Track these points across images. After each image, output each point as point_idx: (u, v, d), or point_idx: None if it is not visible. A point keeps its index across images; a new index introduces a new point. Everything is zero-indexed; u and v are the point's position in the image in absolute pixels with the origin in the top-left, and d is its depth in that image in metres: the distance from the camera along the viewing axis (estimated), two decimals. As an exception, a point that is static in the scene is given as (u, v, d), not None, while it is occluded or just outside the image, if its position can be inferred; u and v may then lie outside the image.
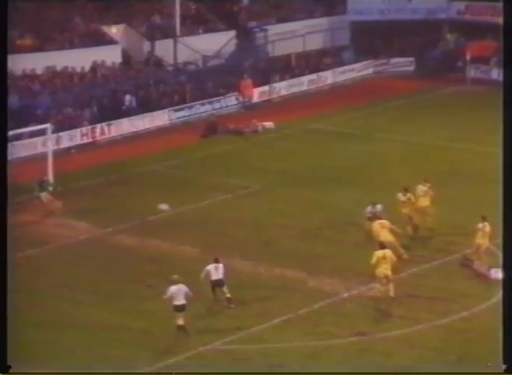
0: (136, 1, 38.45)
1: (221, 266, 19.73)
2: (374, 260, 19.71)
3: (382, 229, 21.67)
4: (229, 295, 19.55)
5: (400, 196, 23.15)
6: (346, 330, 18.58)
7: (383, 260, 19.71)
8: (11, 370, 14.91)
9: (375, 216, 22.62)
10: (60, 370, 16.67)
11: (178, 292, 18.29)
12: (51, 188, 25.25)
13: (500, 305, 14.80)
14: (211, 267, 19.70)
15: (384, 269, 19.64)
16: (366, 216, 23.08)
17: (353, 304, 19.88)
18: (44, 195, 24.80)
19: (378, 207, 23.05)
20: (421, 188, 23.33)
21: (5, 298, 13.87)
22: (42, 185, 25.40)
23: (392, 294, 19.69)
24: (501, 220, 14.80)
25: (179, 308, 18.30)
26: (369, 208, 23.18)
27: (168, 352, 17.93)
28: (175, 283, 18.42)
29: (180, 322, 18.33)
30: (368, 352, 17.79)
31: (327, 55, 41.79)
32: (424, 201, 23.07)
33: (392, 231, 21.63)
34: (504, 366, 14.62)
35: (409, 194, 23.13)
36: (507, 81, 14.77)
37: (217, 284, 19.66)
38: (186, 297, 18.37)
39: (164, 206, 25.27)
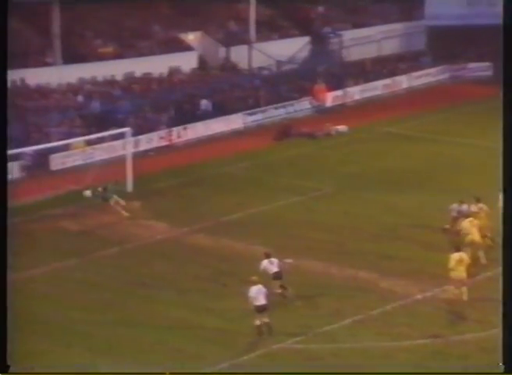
0: (211, 7, 38.64)
1: (274, 260, 19.78)
2: (452, 263, 19.17)
3: (472, 227, 20.95)
4: (279, 291, 19.56)
5: (472, 207, 22.22)
6: (419, 332, 18.15)
7: (459, 263, 19.19)
8: (11, 370, 14.52)
9: (461, 215, 21.97)
10: (72, 370, 16.55)
11: (258, 293, 18.19)
12: (114, 196, 25.04)
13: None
14: (265, 263, 19.73)
15: (459, 272, 19.11)
16: (451, 215, 22.38)
17: (427, 306, 19.41)
18: (113, 200, 24.81)
19: (465, 206, 22.34)
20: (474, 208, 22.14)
21: (5, 298, 13.66)
22: (106, 191, 25.25)
23: (465, 297, 19.11)
24: None
25: (260, 309, 18.18)
26: (455, 207, 22.46)
27: (240, 350, 17.86)
28: (254, 284, 18.28)
29: (261, 321, 18.18)
30: (442, 355, 17.30)
31: (403, 60, 41.16)
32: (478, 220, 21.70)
33: (480, 231, 20.90)
34: (503, 366, 14.09)
35: (480, 204, 22.17)
36: (507, 81, 14.23)
37: (275, 277, 19.65)
38: (266, 297, 18.23)
39: (88, 193, 25.12)
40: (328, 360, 17.41)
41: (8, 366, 14.48)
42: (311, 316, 19.17)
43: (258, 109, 34.89)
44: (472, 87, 39.36)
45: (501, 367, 14.21)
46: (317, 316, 19.11)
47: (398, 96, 38.77)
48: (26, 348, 17.92)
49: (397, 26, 41.82)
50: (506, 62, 14.67)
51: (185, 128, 32.64)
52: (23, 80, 32.12)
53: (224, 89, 35.34)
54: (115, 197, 24.77)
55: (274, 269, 19.69)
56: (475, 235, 20.67)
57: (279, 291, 19.62)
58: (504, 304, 14.02)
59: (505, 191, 14.05)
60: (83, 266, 22.04)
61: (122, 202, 24.95)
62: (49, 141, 29.14)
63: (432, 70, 40.75)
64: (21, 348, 17.99)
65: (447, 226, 22.54)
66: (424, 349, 17.56)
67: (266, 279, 19.32)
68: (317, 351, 17.75)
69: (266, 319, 18.13)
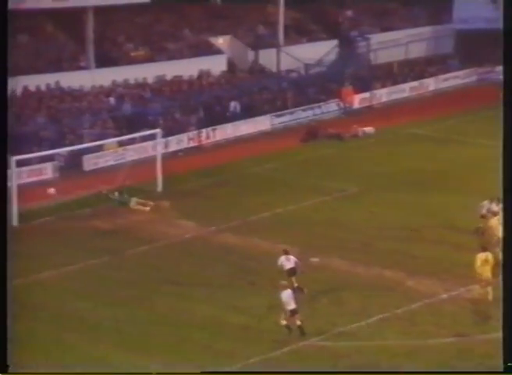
0: (240, 11, 38.67)
1: (291, 257, 20.06)
2: (477, 263, 18.95)
3: (499, 225, 20.63)
4: (296, 284, 19.66)
5: (493, 206, 21.87)
6: (445, 331, 17.98)
7: (485, 263, 18.98)
8: (11, 370, 14.34)
9: (490, 213, 21.67)
10: (65, 370, 16.51)
11: (289, 297, 18.17)
12: (134, 198, 24.84)
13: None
14: (282, 259, 20.03)
15: (485, 272, 18.87)
16: (480, 213, 22.08)
17: (452, 305, 19.22)
18: (133, 202, 24.65)
19: (494, 204, 22.03)
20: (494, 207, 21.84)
21: (5, 298, 13.57)
22: (122, 195, 25.15)
23: (490, 297, 18.88)
24: None
25: (293, 313, 18.14)
26: (486, 204, 22.16)
27: (267, 347, 17.81)
28: (284, 288, 18.26)
29: (292, 324, 18.07)
30: (467, 354, 17.10)
31: (431, 63, 40.85)
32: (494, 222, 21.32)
33: None
34: (503, 366, 13.84)
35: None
36: (507, 81, 14.01)
37: (290, 273, 19.82)
38: (295, 300, 18.19)
39: (52, 190, 25.03)
40: (354, 358, 17.31)
41: (7, 366, 14.26)
42: (337, 313, 19.08)
43: (286, 111, 34.83)
44: (499, 90, 38.74)
45: (501, 367, 13.98)
46: (342, 314, 19.01)
47: (425, 98, 38.47)
48: (58, 345, 18.05)
49: (425, 30, 41.52)
50: (506, 62, 14.46)
51: (214, 129, 32.69)
52: (57, 84, 32.41)
53: (252, 91, 35.33)
54: (135, 199, 24.61)
55: (289, 265, 19.92)
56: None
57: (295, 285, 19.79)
58: (504, 304, 13.78)
59: (505, 192, 13.83)
60: (114, 263, 22.16)
61: (144, 202, 24.83)
62: (82, 142, 29.37)
63: (460, 73, 40.37)
64: (52, 345, 18.13)
65: (481, 226, 22.16)
66: (449, 348, 17.37)
67: (282, 274, 19.52)
68: (342, 348, 17.64)
69: (298, 322, 18.10)
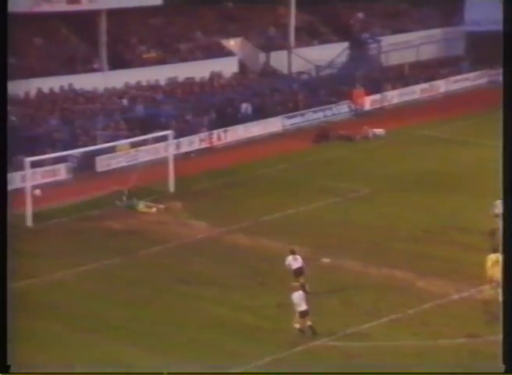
0: (252, 14, 38.66)
1: (298, 257, 20.03)
2: (488, 264, 18.85)
3: None
4: (302, 280, 19.71)
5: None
6: (456, 331, 17.88)
7: (496, 263, 18.85)
8: (12, 370, 14.12)
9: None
10: (66, 370, 16.45)
11: (300, 298, 18.10)
12: (141, 202, 24.54)
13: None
14: (290, 258, 20.01)
15: (496, 273, 18.75)
16: (493, 212, 21.94)
17: (463, 306, 19.12)
18: (141, 205, 24.27)
19: None
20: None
21: (5, 297, 13.51)
22: (130, 197, 24.79)
23: (501, 298, 18.73)
24: None
25: (304, 314, 18.07)
26: (498, 203, 21.98)
27: (278, 348, 17.75)
28: (295, 290, 18.18)
29: (303, 325, 18.02)
30: (478, 354, 17.00)
31: (442, 65, 40.66)
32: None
33: None
34: (504, 366, 13.68)
35: None
36: (507, 81, 13.88)
37: (298, 273, 19.81)
38: (306, 302, 18.12)
39: (37, 191, 24.92)
40: (365, 358, 17.23)
41: (8, 366, 14.05)
42: (348, 314, 19.03)
43: (297, 113, 34.79)
44: (509, 92, 38.57)
45: (502, 367, 13.86)
46: (354, 315, 18.95)
47: (436, 100, 38.33)
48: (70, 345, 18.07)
49: (436, 32, 41.33)
50: (506, 62, 14.35)
51: (225, 131, 32.68)
52: (71, 86, 32.50)
53: (263, 93, 35.31)
54: (143, 202, 24.28)
55: (296, 265, 19.90)
56: None
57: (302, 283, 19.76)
58: (505, 304, 13.67)
59: (505, 192, 13.70)
60: (126, 263, 22.18)
61: (152, 205, 24.48)
62: (95, 144, 29.43)
63: (470, 75, 40.15)
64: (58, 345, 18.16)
65: (494, 227, 21.98)
66: (460, 348, 17.27)
67: (289, 273, 19.50)
68: (353, 349, 17.57)
69: (309, 323, 18.03)
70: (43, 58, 32.81)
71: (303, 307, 18.02)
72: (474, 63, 40.76)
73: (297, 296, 18.09)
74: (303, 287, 19.30)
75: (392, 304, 19.30)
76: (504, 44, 14.26)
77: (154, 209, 24.28)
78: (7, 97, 14.36)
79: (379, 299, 19.57)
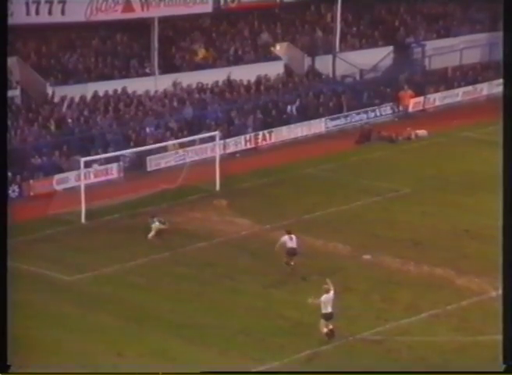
0: (297, 18, 38.54)
1: (294, 236, 20.39)
2: None
3: None
4: (292, 263, 20.10)
5: None
6: (494, 328, 17.46)
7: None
8: (12, 370, 13.85)
9: None
10: (65, 370, 16.35)
11: (328, 301, 17.80)
12: (156, 222, 23.53)
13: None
14: (285, 238, 20.39)
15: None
16: None
17: (501, 303, 18.65)
18: (156, 226, 23.60)
19: None
20: None
21: (5, 297, 13.44)
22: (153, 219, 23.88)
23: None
24: None
25: (328, 317, 17.76)
26: None
27: (318, 341, 17.67)
28: (326, 291, 17.88)
29: (327, 329, 17.74)
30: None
31: (485, 69, 39.93)
32: None
33: None
34: (504, 366, 13.28)
35: None
36: (507, 81, 13.42)
37: (291, 253, 20.13)
38: (332, 305, 17.79)
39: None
40: (404, 353, 17.06)
41: (8, 366, 13.70)
42: (388, 309, 18.87)
43: (340, 114, 34.58)
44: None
45: (502, 366, 13.49)
46: (393, 310, 18.81)
47: (478, 103, 37.66)
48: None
49: (481, 36, 40.58)
50: (506, 63, 13.97)
51: (270, 132, 32.65)
52: (124, 89, 32.88)
53: (308, 95, 35.18)
54: (157, 223, 23.40)
55: (291, 245, 20.37)
56: None
57: (291, 264, 20.38)
58: (504, 303, 13.30)
59: (505, 192, 13.34)
60: (173, 259, 22.33)
61: (164, 221, 23.83)
62: (146, 144, 29.70)
63: (514, 78, 39.26)
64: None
65: None
66: (498, 345, 16.88)
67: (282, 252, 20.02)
68: (393, 343, 17.40)
69: (330, 326, 17.73)
70: (99, 63, 33.28)
71: (328, 309, 17.66)
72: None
73: (326, 297, 17.77)
74: (289, 265, 19.87)
75: (431, 300, 19.10)
76: (504, 41, 13.84)
77: (167, 224, 23.87)
78: (7, 97, 14.42)
79: (419, 296, 19.37)
